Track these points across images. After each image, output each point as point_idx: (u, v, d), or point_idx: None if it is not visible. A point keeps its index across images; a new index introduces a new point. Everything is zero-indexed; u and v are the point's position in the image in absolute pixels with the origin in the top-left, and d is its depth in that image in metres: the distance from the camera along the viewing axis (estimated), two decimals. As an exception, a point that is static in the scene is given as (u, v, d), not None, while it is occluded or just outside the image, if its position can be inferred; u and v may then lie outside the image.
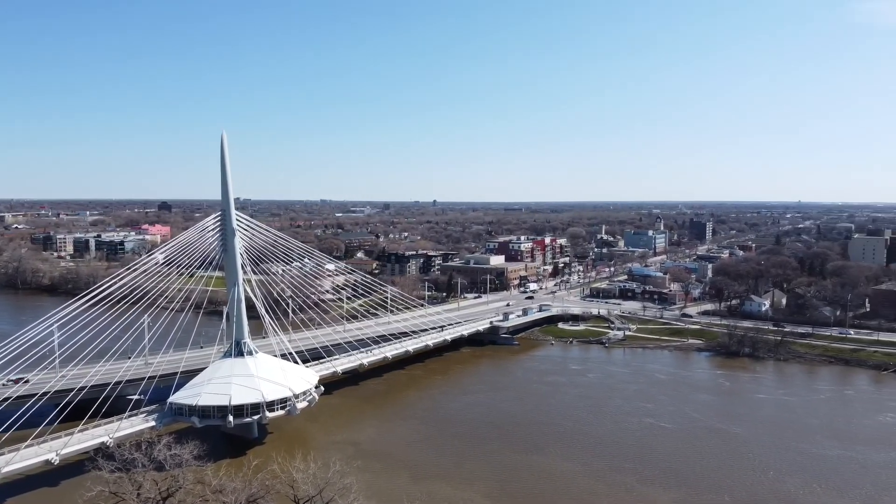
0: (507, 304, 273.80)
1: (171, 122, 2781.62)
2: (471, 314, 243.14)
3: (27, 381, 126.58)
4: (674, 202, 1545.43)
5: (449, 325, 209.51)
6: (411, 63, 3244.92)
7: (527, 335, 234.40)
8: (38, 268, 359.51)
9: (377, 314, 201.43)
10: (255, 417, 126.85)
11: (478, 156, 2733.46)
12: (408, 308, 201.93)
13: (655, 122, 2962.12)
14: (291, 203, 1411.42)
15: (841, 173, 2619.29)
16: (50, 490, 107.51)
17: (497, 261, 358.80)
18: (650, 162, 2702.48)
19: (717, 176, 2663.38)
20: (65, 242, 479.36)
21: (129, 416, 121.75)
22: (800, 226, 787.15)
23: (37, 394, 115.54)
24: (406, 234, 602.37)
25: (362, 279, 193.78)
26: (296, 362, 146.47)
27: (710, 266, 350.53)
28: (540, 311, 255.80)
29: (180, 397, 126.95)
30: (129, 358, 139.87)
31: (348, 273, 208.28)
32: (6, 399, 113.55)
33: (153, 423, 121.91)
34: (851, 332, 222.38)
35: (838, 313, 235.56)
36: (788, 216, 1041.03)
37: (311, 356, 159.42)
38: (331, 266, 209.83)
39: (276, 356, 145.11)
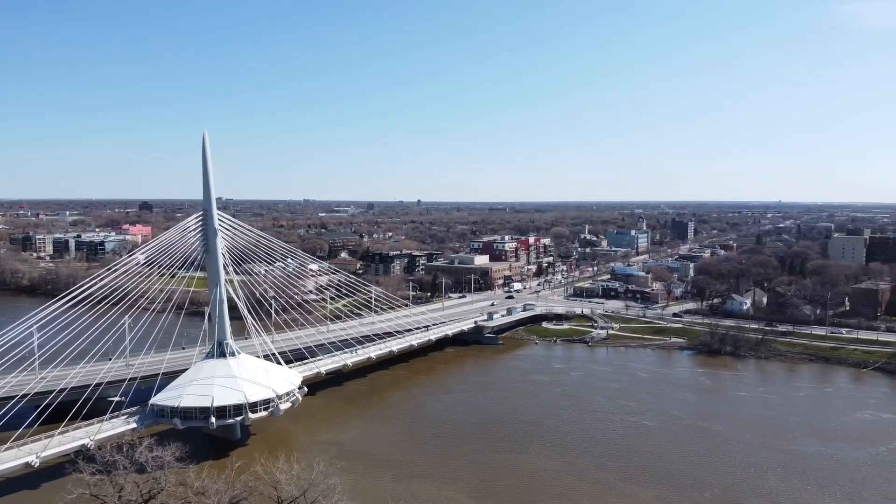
0: (492, 304, 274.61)
1: (152, 122, 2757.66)
2: (455, 314, 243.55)
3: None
4: (656, 202, 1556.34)
5: (433, 325, 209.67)
6: (395, 63, 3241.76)
7: (511, 334, 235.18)
8: (17, 268, 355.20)
9: (361, 314, 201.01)
10: (238, 419, 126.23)
11: (462, 156, 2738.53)
12: (392, 308, 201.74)
13: (638, 123, 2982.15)
14: (274, 203, 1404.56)
15: (821, 173, 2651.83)
16: (30, 493, 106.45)
17: (481, 261, 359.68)
18: (633, 162, 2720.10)
19: (699, 176, 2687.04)
20: (44, 243, 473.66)
21: (111, 417, 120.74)
22: (780, 225, 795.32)
23: (16, 396, 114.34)
24: (390, 233, 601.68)
25: (346, 279, 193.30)
26: (279, 363, 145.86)
27: (691, 265, 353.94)
28: (524, 310, 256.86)
29: (162, 399, 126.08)
30: (110, 359, 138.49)
31: (332, 273, 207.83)
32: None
33: (134, 425, 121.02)
34: (843, 331, 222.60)
35: (818, 312, 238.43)
36: (769, 216, 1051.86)
37: (294, 357, 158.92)
38: (314, 266, 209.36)
39: (258, 357, 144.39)
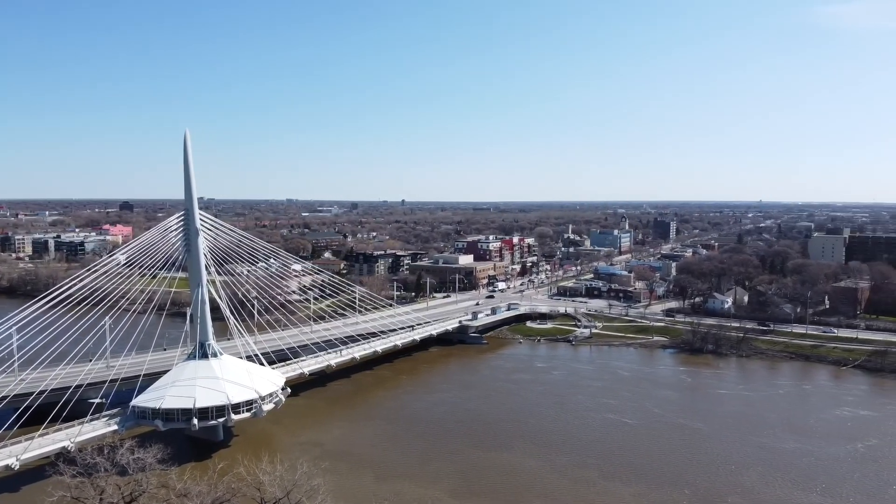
0: (477, 304, 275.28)
1: (133, 121, 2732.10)
2: (440, 314, 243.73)
3: None
4: (638, 202, 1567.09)
5: (418, 324, 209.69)
6: (379, 63, 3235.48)
7: (495, 334, 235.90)
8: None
9: (345, 315, 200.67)
10: (221, 420, 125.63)
11: (446, 156, 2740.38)
12: (376, 308, 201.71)
13: (620, 124, 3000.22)
14: (257, 202, 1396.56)
15: (801, 173, 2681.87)
16: (10, 496, 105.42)
17: (466, 260, 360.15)
18: (615, 162, 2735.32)
19: (681, 176, 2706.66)
20: (23, 243, 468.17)
21: (91, 419, 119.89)
22: (761, 225, 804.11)
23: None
24: (374, 233, 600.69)
25: (329, 279, 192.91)
26: (262, 364, 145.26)
27: (673, 264, 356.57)
28: (508, 310, 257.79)
29: (143, 400, 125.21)
30: (91, 361, 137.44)
31: (315, 273, 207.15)
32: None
33: (115, 427, 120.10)
34: (835, 330, 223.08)
35: (799, 310, 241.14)
36: (750, 215, 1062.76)
37: (277, 358, 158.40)
38: (297, 266, 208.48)
39: (241, 358, 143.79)
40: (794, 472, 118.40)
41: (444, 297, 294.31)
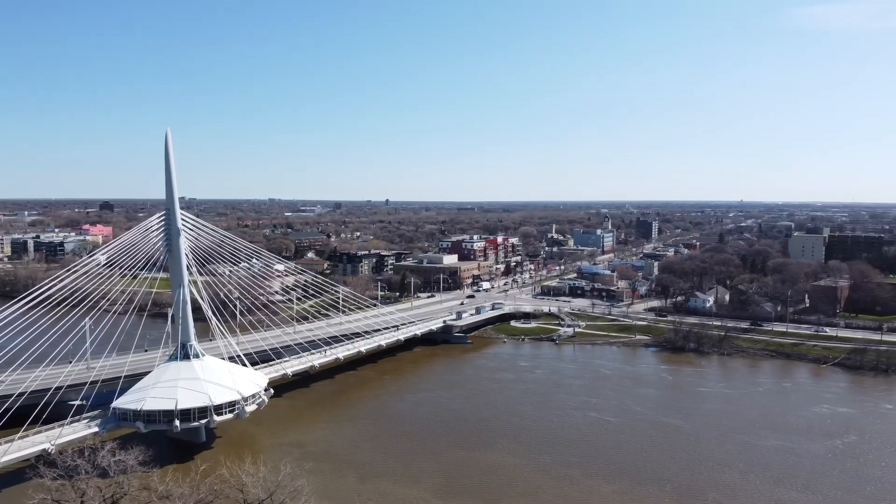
0: (461, 303, 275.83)
1: (113, 120, 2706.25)
2: (424, 313, 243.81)
3: None
4: (621, 202, 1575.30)
5: (402, 324, 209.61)
6: (363, 64, 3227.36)
7: (480, 333, 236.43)
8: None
9: (329, 315, 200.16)
10: (203, 421, 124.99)
11: (431, 156, 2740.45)
12: (360, 308, 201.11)
13: (603, 124, 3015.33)
14: (239, 202, 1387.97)
15: (781, 174, 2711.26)
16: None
17: (450, 260, 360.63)
18: (598, 162, 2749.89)
19: (663, 176, 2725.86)
20: (2, 243, 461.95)
21: (71, 422, 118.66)
22: (742, 224, 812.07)
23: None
24: (358, 233, 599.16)
25: (313, 279, 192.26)
26: (244, 365, 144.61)
27: (656, 264, 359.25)
28: (493, 309, 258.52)
29: (124, 402, 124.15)
30: (70, 362, 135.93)
31: (298, 273, 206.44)
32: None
33: (96, 429, 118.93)
34: (827, 329, 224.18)
35: (779, 309, 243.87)
36: (731, 215, 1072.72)
37: (260, 359, 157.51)
38: (280, 266, 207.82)
39: (223, 359, 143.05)
40: (773, 468, 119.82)
41: (429, 297, 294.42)
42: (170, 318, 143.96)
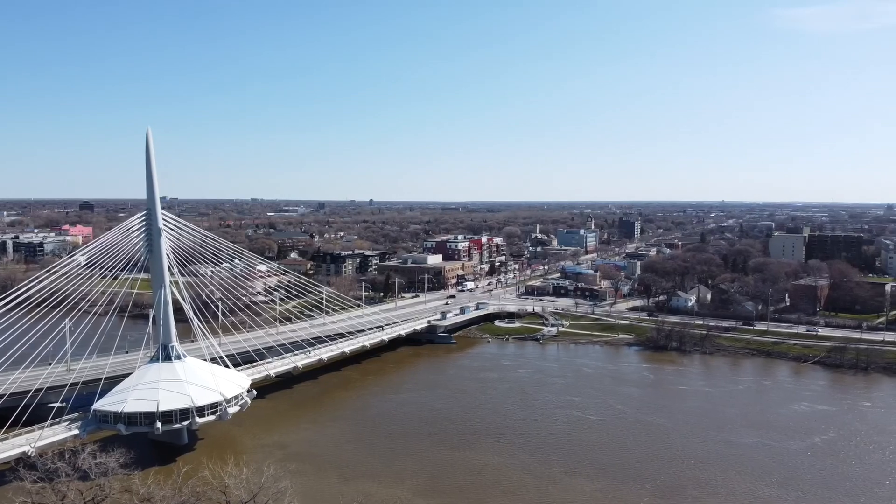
0: (446, 303, 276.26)
1: (93, 120, 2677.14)
2: (409, 314, 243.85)
3: None
4: (604, 202, 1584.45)
5: (387, 325, 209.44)
6: (347, 65, 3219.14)
7: (464, 333, 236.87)
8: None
9: (312, 316, 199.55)
10: (185, 423, 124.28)
11: (415, 156, 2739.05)
12: (344, 309, 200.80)
13: (586, 125, 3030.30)
14: (221, 202, 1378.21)
15: (762, 174, 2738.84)
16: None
17: (435, 260, 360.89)
18: (582, 164, 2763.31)
19: (645, 177, 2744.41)
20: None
21: (52, 424, 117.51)
22: (723, 224, 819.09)
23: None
24: (342, 233, 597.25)
25: (296, 280, 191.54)
26: (227, 366, 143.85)
27: (638, 263, 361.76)
28: (477, 309, 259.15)
29: (105, 404, 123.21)
30: (50, 364, 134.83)
31: (281, 274, 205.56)
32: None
33: (77, 432, 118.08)
34: (819, 329, 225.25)
35: (760, 308, 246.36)
36: (713, 215, 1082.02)
37: (242, 360, 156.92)
38: (262, 267, 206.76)
39: (205, 360, 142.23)
40: (752, 465, 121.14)
41: (413, 297, 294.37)
42: (151, 320, 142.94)
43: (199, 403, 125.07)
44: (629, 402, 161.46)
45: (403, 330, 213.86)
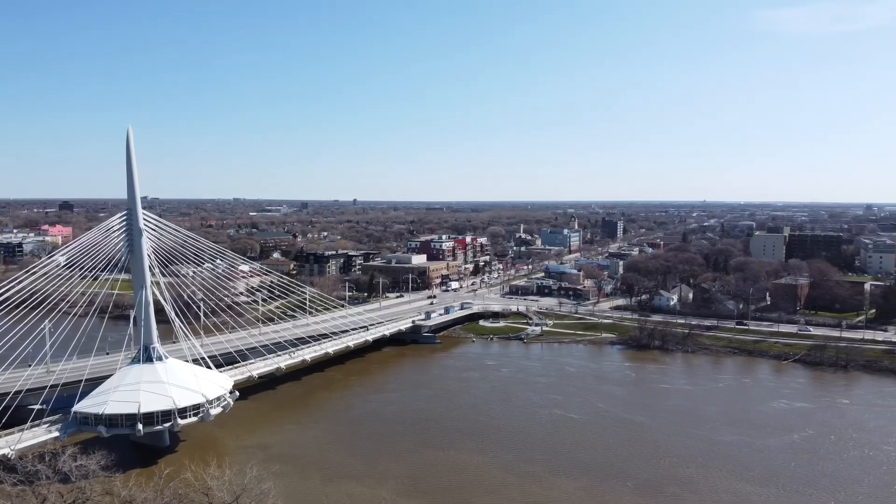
0: (431, 303, 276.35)
1: (73, 119, 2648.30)
2: (393, 314, 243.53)
3: None
4: (587, 202, 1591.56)
5: (371, 325, 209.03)
6: (330, 64, 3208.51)
7: (449, 333, 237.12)
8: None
9: (295, 316, 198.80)
10: (167, 425, 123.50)
11: (399, 155, 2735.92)
12: (328, 309, 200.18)
13: (570, 128, 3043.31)
14: (202, 202, 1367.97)
15: (743, 174, 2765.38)
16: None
17: (419, 260, 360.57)
18: (566, 164, 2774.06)
19: (628, 177, 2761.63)
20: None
21: (31, 426, 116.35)
22: (705, 224, 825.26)
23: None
24: (325, 233, 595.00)
25: (279, 280, 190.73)
26: (209, 367, 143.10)
27: (621, 263, 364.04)
28: (461, 308, 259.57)
29: (85, 406, 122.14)
30: (30, 366, 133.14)
31: (264, 274, 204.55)
32: None
33: (57, 434, 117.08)
34: (811, 328, 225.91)
35: (741, 307, 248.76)
36: (695, 215, 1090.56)
37: (225, 361, 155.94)
38: (245, 267, 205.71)
39: (187, 361, 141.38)
40: (731, 462, 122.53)
41: (398, 297, 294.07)
42: (132, 321, 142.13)
43: (181, 405, 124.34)
44: (612, 400, 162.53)
45: (388, 330, 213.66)
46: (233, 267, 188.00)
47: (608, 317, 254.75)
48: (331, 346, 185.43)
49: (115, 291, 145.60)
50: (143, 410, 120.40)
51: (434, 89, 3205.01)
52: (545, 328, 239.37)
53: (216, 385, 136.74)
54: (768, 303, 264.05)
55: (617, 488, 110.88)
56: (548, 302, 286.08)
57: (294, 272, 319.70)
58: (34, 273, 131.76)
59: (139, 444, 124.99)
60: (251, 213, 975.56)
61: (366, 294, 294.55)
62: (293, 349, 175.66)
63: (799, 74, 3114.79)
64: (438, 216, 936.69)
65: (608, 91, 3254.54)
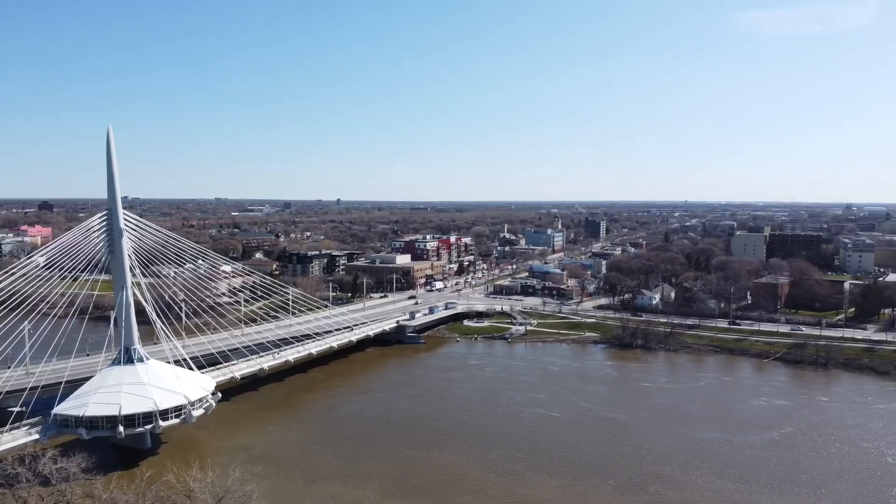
0: (416, 303, 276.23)
1: (52, 118, 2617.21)
2: (377, 314, 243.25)
3: None
4: (570, 202, 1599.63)
5: (355, 325, 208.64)
6: (313, 63, 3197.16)
7: (433, 333, 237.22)
8: None
9: (278, 317, 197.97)
10: (148, 427, 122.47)
11: (383, 155, 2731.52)
12: (311, 309, 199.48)
13: (553, 125, 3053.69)
14: (184, 202, 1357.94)
15: (724, 174, 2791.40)
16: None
17: (403, 260, 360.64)
18: (549, 164, 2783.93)
19: (611, 177, 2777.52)
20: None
21: (11, 429, 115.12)
22: (687, 224, 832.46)
23: None
24: (308, 233, 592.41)
25: (261, 281, 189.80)
26: (191, 368, 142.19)
27: (604, 262, 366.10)
28: (446, 308, 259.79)
29: (65, 408, 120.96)
30: (9, 368, 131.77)
31: (246, 274, 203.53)
32: None
33: (37, 436, 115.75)
34: (803, 328, 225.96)
35: (723, 305, 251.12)
36: (676, 215, 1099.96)
37: (207, 362, 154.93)
38: (227, 267, 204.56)
39: (169, 363, 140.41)
40: (712, 460, 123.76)
41: (382, 297, 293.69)
42: (112, 322, 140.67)
43: (163, 407, 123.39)
44: (594, 399, 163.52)
45: (372, 330, 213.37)
46: (215, 267, 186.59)
47: (591, 316, 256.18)
48: (314, 347, 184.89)
49: (96, 292, 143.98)
50: (124, 412, 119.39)
51: (419, 90, 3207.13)
52: (529, 328, 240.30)
53: (198, 386, 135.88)
54: (749, 302, 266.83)
55: (599, 486, 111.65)
56: (532, 301, 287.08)
57: (277, 272, 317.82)
58: (13, 274, 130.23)
59: (120, 446, 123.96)
60: (233, 213, 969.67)
61: (349, 294, 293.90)
62: (276, 350, 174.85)
63: (779, 76, 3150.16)
64: (422, 216, 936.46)
65: (591, 92, 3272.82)
